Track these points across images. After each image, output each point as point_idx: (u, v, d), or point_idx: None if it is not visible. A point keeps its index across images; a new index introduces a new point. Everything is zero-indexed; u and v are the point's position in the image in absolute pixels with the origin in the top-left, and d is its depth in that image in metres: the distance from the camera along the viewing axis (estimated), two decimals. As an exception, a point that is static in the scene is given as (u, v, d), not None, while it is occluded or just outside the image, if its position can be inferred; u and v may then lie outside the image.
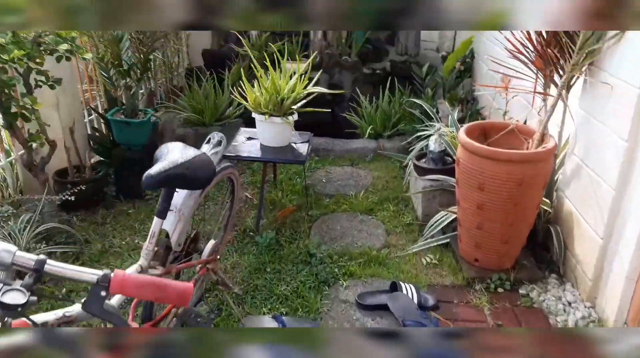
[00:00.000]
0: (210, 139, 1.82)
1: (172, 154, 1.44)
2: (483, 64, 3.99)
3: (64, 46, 2.32)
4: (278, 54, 2.83)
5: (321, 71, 4.14)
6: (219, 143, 1.81)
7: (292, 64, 2.83)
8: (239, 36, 4.44)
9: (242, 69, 4.00)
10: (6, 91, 2.21)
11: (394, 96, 3.99)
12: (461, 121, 3.41)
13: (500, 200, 2.17)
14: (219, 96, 3.71)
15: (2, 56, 2.05)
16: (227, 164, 1.89)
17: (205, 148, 1.79)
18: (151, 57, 3.16)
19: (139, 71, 2.89)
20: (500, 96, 3.08)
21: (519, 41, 2.30)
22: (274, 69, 2.71)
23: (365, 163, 3.62)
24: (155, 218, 1.44)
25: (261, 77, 2.68)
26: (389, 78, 4.17)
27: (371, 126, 3.80)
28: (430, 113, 3.39)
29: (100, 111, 3.41)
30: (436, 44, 4.92)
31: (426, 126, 3.30)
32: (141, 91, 3.88)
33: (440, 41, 4.90)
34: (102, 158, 3.07)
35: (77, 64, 3.19)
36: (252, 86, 2.74)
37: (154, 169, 1.33)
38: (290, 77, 2.74)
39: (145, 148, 2.98)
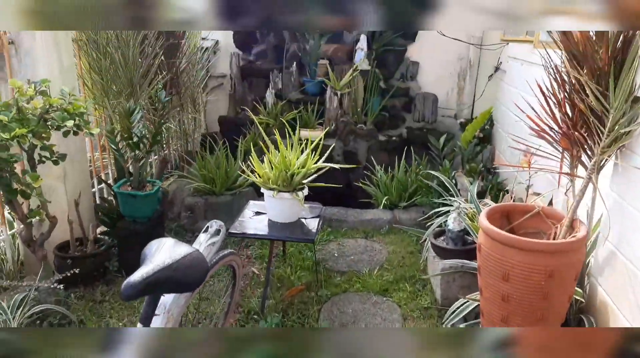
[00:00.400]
0: (208, 228, 1.69)
1: (160, 253, 1.31)
2: (503, 132, 3.87)
3: (70, 122, 2.28)
4: (292, 125, 2.75)
5: (336, 138, 4.10)
6: (218, 232, 1.68)
7: (306, 131, 2.74)
8: (256, 104, 4.45)
9: (254, 138, 3.97)
10: (7, 167, 2.15)
11: (410, 165, 3.86)
12: (481, 194, 3.24)
13: (527, 292, 1.96)
14: (230, 164, 3.64)
15: (2, 134, 2.00)
16: (226, 252, 1.75)
17: (203, 238, 1.67)
18: (163, 128, 3.12)
19: (148, 144, 2.84)
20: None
21: (542, 121, 2.17)
22: (289, 137, 2.63)
23: (380, 235, 3.44)
24: (139, 325, 1.30)
25: (271, 154, 2.59)
26: (405, 145, 4.08)
27: (386, 196, 3.65)
28: (448, 186, 3.24)
29: (110, 180, 3.35)
30: (454, 111, 4.83)
31: (444, 199, 3.14)
32: (155, 157, 3.85)
33: (459, 108, 4.83)
34: (108, 229, 2.98)
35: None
36: (262, 161, 2.65)
37: (135, 276, 1.19)
38: (302, 151, 2.64)
39: (152, 221, 2.89)
